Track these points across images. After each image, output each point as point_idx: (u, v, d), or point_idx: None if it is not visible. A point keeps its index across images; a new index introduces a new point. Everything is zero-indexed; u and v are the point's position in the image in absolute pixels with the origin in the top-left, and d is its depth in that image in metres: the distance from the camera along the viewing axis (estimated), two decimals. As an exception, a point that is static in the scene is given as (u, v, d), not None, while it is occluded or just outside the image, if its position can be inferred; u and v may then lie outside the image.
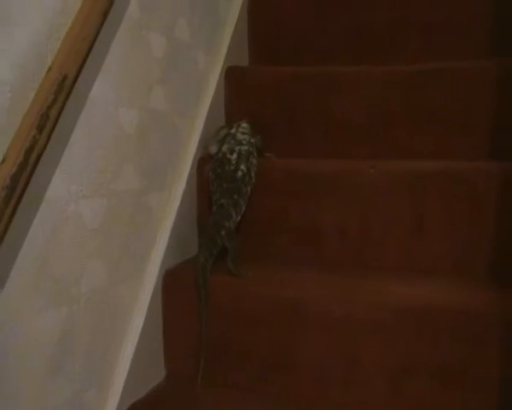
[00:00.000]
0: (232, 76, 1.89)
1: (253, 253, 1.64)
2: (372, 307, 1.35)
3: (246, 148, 1.64)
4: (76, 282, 1.20)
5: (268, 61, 2.06)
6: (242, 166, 1.60)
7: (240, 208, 1.58)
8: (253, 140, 1.69)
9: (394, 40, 1.91)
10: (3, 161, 0.92)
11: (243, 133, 1.68)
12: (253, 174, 1.62)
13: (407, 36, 1.90)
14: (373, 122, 1.74)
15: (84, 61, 1.04)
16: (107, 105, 1.29)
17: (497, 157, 1.61)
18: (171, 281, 1.51)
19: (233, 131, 1.70)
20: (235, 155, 1.62)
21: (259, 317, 1.42)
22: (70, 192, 1.16)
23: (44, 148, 0.98)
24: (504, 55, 1.79)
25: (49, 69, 1.01)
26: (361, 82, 1.76)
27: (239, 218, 1.58)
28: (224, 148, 1.65)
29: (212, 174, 1.62)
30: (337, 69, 1.83)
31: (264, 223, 1.64)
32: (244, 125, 1.72)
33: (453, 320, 1.30)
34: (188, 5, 1.68)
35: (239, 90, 1.89)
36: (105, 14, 1.08)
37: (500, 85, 1.64)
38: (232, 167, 1.60)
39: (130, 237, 1.41)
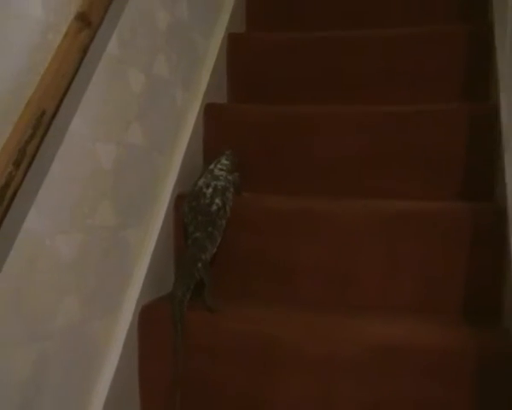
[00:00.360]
0: (211, 113, 1.91)
1: (231, 290, 1.64)
2: (347, 345, 1.35)
3: (222, 183, 1.65)
4: (50, 318, 1.18)
5: (246, 100, 2.08)
6: (217, 200, 1.61)
7: (215, 241, 1.58)
8: (230, 177, 1.70)
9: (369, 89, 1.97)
10: (-21, 196, 0.91)
11: (221, 170, 1.69)
12: (228, 209, 1.63)
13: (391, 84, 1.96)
14: (351, 161, 1.76)
15: (63, 96, 1.05)
16: (85, 140, 1.30)
17: (466, 198, 1.65)
18: (148, 317, 1.50)
19: (211, 166, 1.71)
20: (210, 190, 1.62)
21: (236, 354, 1.41)
22: (46, 227, 1.16)
23: (21, 184, 0.97)
24: (472, 100, 1.86)
25: (28, 104, 1.02)
26: (339, 123, 1.79)
27: (214, 250, 1.58)
28: (200, 182, 1.66)
29: (186, 207, 1.63)
30: (316, 109, 1.86)
31: (241, 260, 1.64)
32: (224, 161, 1.73)
33: (427, 358, 1.31)
34: (166, 42, 1.70)
35: (218, 127, 1.91)
36: (85, 51, 1.09)
37: (470, 128, 1.69)
38: (207, 201, 1.61)
39: (106, 272, 1.40)
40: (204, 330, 1.46)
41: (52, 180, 1.17)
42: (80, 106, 1.26)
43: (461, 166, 1.71)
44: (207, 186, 1.63)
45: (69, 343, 1.25)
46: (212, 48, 2.05)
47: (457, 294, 1.50)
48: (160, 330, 1.48)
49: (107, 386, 1.36)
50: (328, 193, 1.75)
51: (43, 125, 0.99)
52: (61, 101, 1.04)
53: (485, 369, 1.27)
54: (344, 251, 1.56)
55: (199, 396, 1.45)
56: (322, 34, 2.05)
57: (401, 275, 1.53)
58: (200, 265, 1.52)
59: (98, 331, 1.36)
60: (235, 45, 2.11)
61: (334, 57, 2.00)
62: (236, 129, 1.88)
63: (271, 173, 1.84)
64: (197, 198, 1.62)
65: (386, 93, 1.94)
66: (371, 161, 1.76)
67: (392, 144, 1.75)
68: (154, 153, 1.64)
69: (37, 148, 1.01)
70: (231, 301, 1.58)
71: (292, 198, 1.72)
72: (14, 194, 0.96)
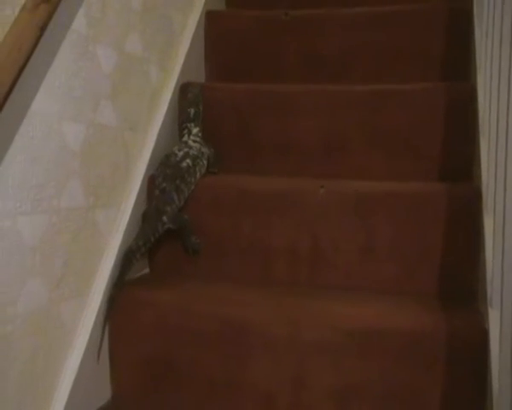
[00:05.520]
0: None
1: (204, 271, 1.62)
2: (319, 328, 1.33)
3: (195, 152, 1.68)
4: (12, 301, 1.16)
5: (224, 78, 2.05)
6: (188, 161, 1.64)
7: (183, 194, 1.60)
8: (203, 149, 1.72)
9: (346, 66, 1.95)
10: None
11: (195, 141, 1.73)
12: (197, 171, 1.66)
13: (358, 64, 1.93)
14: (325, 142, 1.74)
15: (20, 72, 1.01)
16: (50, 119, 1.26)
17: (445, 178, 1.63)
18: (118, 299, 1.47)
19: (185, 138, 1.75)
20: (182, 152, 1.66)
21: (206, 336, 1.40)
22: (6, 208, 1.13)
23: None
24: (453, 80, 1.83)
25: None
26: (314, 101, 1.76)
27: (182, 203, 1.60)
28: (175, 148, 1.70)
29: (158, 165, 1.66)
30: (291, 88, 1.82)
31: (215, 241, 1.61)
32: (194, 130, 1.76)
33: (400, 341, 1.29)
34: (139, 19, 1.66)
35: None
36: (43, 26, 1.05)
37: (446, 107, 1.66)
38: (178, 159, 1.64)
39: (74, 253, 1.37)
40: (175, 312, 1.44)
41: (12, 159, 1.14)
42: (44, 84, 1.23)
43: (440, 146, 1.69)
44: (179, 150, 1.67)
45: (33, 327, 1.22)
46: (190, 25, 2.02)
47: (433, 275, 1.48)
48: (131, 312, 1.46)
49: (75, 370, 1.34)
50: (303, 173, 1.73)
51: (-2, 101, 0.96)
52: (18, 77, 1.01)
53: (456, 353, 1.26)
54: (317, 232, 1.54)
55: (170, 378, 1.44)
56: (300, 12, 2.02)
57: (375, 256, 1.51)
58: (165, 218, 1.54)
59: (65, 314, 1.34)
60: (213, 23, 2.07)
61: (313, 36, 1.97)
62: (212, 108, 1.84)
63: (246, 152, 1.81)
64: (168, 157, 1.66)
65: (366, 72, 1.92)
66: (349, 141, 1.73)
67: (371, 124, 1.72)
68: (126, 132, 1.60)
69: (-7, 125, 0.98)
70: (204, 282, 1.57)
71: (265, 179, 1.70)
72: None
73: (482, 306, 1.34)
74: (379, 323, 1.33)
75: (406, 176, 1.66)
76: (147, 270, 1.68)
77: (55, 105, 1.28)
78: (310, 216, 1.54)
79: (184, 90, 1.85)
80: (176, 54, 1.91)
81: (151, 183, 1.65)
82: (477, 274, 1.44)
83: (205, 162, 1.71)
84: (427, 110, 1.68)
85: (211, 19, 2.07)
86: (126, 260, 1.49)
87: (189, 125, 1.76)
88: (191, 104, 1.79)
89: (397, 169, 1.68)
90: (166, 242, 1.62)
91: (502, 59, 1.21)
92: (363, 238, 1.50)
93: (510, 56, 1.09)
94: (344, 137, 1.72)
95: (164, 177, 1.60)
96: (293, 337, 1.34)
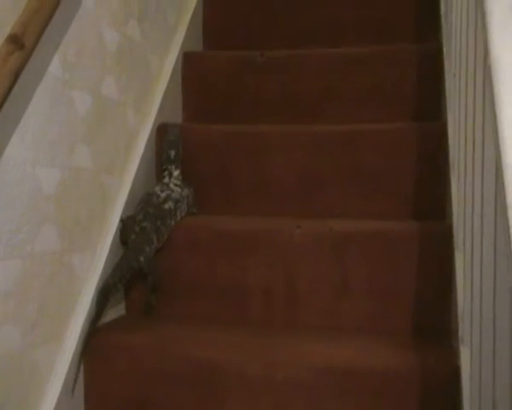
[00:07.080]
0: (163, 133, 1.88)
1: (180, 312, 1.62)
2: (295, 368, 1.34)
3: (177, 196, 1.69)
4: (-17, 348, 1.15)
5: (201, 120, 2.07)
6: (170, 203, 1.65)
7: (161, 237, 1.60)
8: (184, 193, 1.73)
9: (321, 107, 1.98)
10: None
11: (176, 185, 1.73)
12: (178, 214, 1.67)
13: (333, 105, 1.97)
14: (301, 182, 1.76)
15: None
16: (24, 164, 1.27)
17: (419, 217, 1.66)
18: (93, 343, 1.46)
19: (166, 180, 1.74)
20: (164, 194, 1.67)
21: (182, 378, 1.39)
22: (-23, 255, 1.13)
23: None
24: (425, 119, 1.87)
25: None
26: (289, 142, 1.78)
27: (160, 245, 1.59)
28: (157, 188, 1.70)
29: (138, 202, 1.66)
30: (267, 128, 1.85)
31: (190, 282, 1.62)
32: (175, 173, 1.76)
33: (375, 381, 1.30)
34: (116, 63, 1.69)
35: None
36: (16, 74, 1.07)
37: (419, 147, 1.69)
38: (160, 200, 1.65)
39: (48, 298, 1.36)
40: (150, 354, 1.43)
41: (-16, 206, 1.14)
42: (18, 130, 1.23)
43: (414, 185, 1.72)
44: (162, 191, 1.68)
45: (6, 373, 1.21)
46: (167, 67, 2.04)
47: (407, 313, 1.50)
48: (106, 356, 1.45)
49: (49, 416, 1.33)
50: (280, 213, 1.75)
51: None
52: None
53: (429, 390, 1.27)
54: (293, 272, 1.55)
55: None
56: (276, 53, 2.05)
57: (350, 295, 1.52)
58: (142, 258, 1.53)
59: (39, 360, 1.32)
60: (189, 64, 2.10)
61: (289, 76, 2.00)
62: (188, 149, 1.86)
63: (223, 193, 1.82)
64: (150, 197, 1.66)
65: (341, 112, 1.95)
66: (324, 180, 1.76)
67: (346, 164, 1.75)
68: (102, 175, 1.61)
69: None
70: (179, 324, 1.57)
71: (241, 219, 1.71)
72: None
73: (455, 342, 1.35)
74: (354, 362, 1.34)
75: (381, 214, 1.68)
76: (123, 311, 1.67)
77: (29, 150, 1.29)
78: (286, 256, 1.55)
79: (163, 132, 1.86)
80: (152, 95, 1.93)
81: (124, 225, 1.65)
82: (450, 311, 1.46)
83: (185, 206, 1.71)
84: (400, 150, 1.71)
85: (188, 60, 2.10)
86: (103, 296, 1.48)
87: (169, 166, 1.76)
88: (172, 146, 1.79)
89: (372, 208, 1.70)
90: (143, 283, 1.62)
91: (468, 99, 1.24)
92: (338, 278, 1.52)
93: (474, 96, 1.12)
94: (319, 176, 1.75)
95: (145, 215, 1.59)
96: (269, 377, 1.33)
